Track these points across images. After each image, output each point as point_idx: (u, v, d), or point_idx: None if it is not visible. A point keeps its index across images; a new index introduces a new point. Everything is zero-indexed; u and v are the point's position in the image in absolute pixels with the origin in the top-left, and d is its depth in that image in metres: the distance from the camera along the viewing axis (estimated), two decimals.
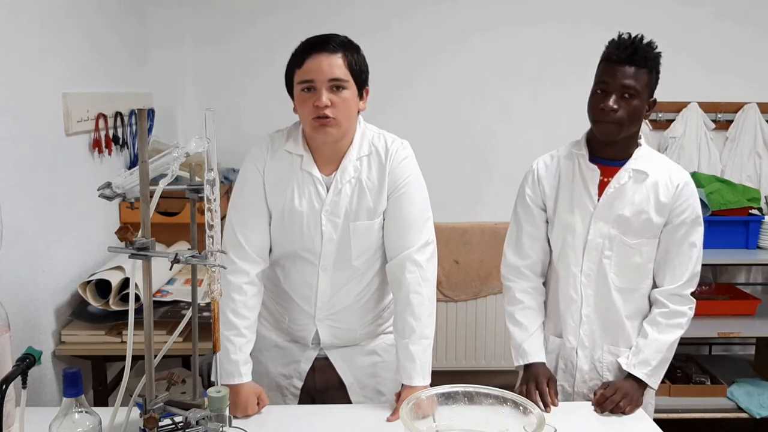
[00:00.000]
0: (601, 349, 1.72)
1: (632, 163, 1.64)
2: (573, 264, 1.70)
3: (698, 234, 1.67)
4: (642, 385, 1.63)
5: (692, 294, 1.68)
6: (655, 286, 1.71)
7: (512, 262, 1.77)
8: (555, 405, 1.59)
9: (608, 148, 1.65)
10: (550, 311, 1.78)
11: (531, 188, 1.75)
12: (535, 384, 1.64)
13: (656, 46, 1.58)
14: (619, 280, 1.68)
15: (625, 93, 1.55)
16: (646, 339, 1.66)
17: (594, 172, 1.66)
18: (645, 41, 1.57)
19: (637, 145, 1.66)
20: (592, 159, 1.67)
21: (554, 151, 1.77)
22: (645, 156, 1.66)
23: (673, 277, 1.67)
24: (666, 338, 1.65)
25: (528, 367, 1.70)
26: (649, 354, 1.64)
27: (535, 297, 1.76)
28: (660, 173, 1.64)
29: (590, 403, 1.63)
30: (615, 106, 1.55)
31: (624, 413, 1.57)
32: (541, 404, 1.58)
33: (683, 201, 1.64)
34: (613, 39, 1.61)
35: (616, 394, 1.59)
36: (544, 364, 1.70)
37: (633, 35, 1.58)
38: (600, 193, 1.66)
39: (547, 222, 1.75)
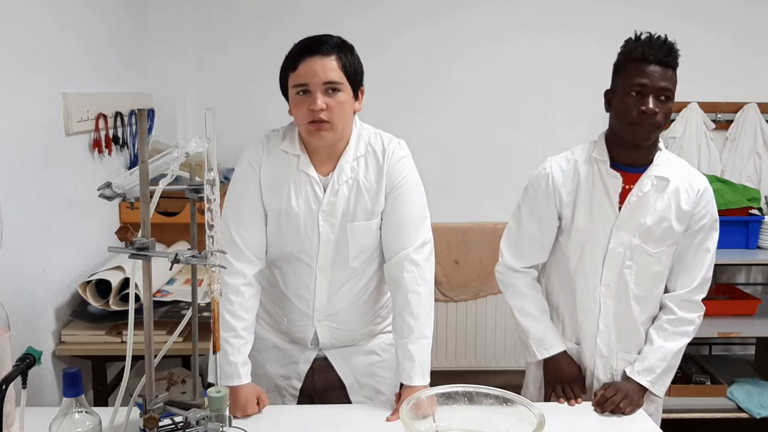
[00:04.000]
0: (616, 357, 1.70)
1: (654, 170, 1.59)
2: (592, 274, 1.65)
3: (713, 239, 1.65)
4: (644, 387, 1.62)
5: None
6: (666, 290, 1.69)
7: (510, 263, 1.74)
8: (578, 402, 1.61)
9: (631, 153, 1.59)
10: (568, 318, 1.74)
11: (544, 194, 1.67)
12: (562, 386, 1.66)
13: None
14: (638, 288, 1.65)
15: (661, 95, 1.50)
16: (652, 346, 1.64)
17: (616, 180, 1.60)
18: (670, 40, 1.53)
19: (657, 149, 1.61)
20: (613, 165, 1.61)
21: (569, 153, 1.69)
22: (666, 161, 1.61)
23: (685, 281, 1.65)
24: (672, 346, 1.63)
25: (552, 361, 1.68)
26: (654, 362, 1.63)
27: (539, 288, 1.76)
28: (681, 179, 1.60)
29: (585, 403, 1.62)
30: (657, 109, 1.49)
31: (624, 414, 1.56)
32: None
33: (703, 207, 1.62)
34: (638, 38, 1.55)
35: (617, 395, 1.58)
36: (566, 354, 1.69)
37: (655, 34, 1.54)
38: (621, 201, 1.61)
39: (559, 228, 1.69)
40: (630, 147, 1.58)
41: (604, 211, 1.62)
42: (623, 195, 1.60)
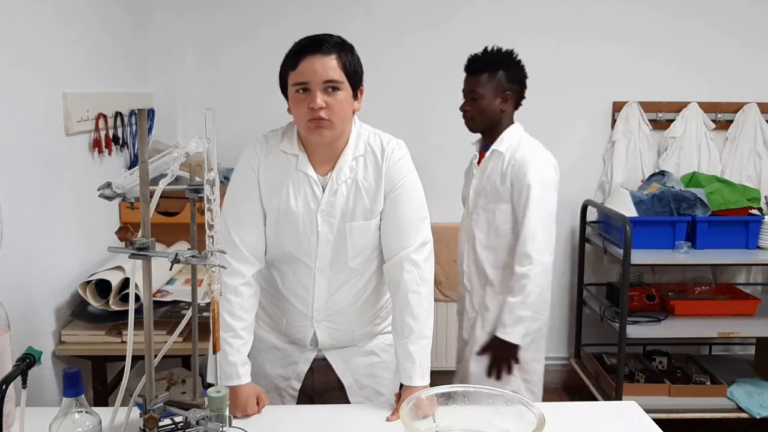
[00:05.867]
0: (478, 294, 2.18)
1: (494, 146, 2.14)
2: (463, 227, 2.26)
3: (531, 200, 2.04)
4: (494, 339, 2.04)
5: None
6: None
7: None
8: None
9: (485, 136, 2.19)
10: None
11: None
12: None
13: (501, 49, 2.08)
14: (484, 238, 2.15)
15: (471, 97, 2.10)
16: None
17: (474, 158, 2.25)
18: (491, 50, 2.07)
19: (500, 132, 2.12)
20: (485, 147, 2.18)
21: None
22: (505, 141, 2.12)
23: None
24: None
25: None
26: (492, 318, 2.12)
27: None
28: (510, 151, 2.08)
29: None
30: (467, 108, 2.12)
31: (514, 362, 2.01)
32: None
33: (518, 171, 2.03)
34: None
35: (492, 354, 2.03)
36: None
37: (480, 51, 2.09)
38: None
39: None
40: (482, 134, 2.19)
41: (470, 178, 2.24)
42: None
